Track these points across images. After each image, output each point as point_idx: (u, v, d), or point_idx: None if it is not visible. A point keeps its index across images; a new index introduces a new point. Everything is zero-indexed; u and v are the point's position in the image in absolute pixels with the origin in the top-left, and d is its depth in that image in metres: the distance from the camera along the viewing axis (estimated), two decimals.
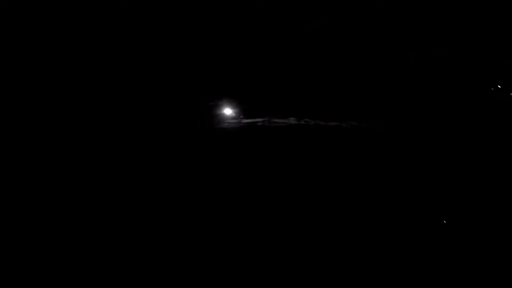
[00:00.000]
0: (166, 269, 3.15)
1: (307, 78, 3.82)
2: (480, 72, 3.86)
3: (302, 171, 3.48)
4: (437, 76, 3.85)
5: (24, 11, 3.66)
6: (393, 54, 3.86)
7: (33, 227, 3.25)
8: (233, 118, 3.61)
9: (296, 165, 3.51)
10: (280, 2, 3.87)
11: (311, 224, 3.31)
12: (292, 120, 3.58)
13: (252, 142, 3.55)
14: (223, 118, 3.62)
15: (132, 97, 3.66)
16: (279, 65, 3.83)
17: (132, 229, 3.28)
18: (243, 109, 3.62)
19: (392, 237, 3.27)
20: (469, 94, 3.81)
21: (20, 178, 3.37)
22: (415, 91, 3.76)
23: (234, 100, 3.64)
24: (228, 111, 3.63)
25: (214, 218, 3.30)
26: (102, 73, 3.68)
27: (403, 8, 3.95)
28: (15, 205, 3.28)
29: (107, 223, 3.31)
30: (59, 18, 3.72)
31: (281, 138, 3.54)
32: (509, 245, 3.23)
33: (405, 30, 3.93)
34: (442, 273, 3.19)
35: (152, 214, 3.34)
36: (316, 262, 3.18)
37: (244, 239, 3.25)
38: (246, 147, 3.53)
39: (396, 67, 3.84)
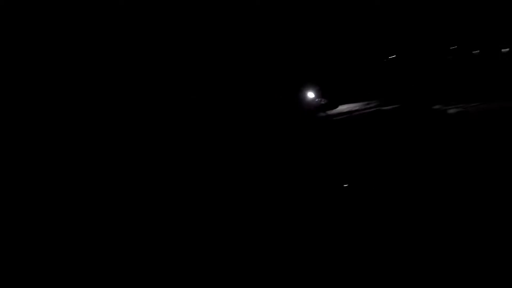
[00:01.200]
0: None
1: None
2: (479, 71, 3.87)
3: None
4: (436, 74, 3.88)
5: (24, 11, 3.67)
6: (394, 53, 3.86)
7: (34, 225, 3.23)
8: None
9: None
10: (280, 2, 3.88)
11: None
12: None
13: None
14: None
15: (132, 97, 3.66)
16: (277, 64, 3.83)
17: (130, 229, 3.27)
18: None
19: None
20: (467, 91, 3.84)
21: (21, 177, 3.37)
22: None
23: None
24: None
25: None
26: (102, 73, 3.68)
27: (403, 8, 3.96)
28: (15, 203, 3.27)
29: (106, 222, 3.30)
30: (59, 18, 3.72)
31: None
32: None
33: (406, 30, 3.94)
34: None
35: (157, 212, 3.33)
36: None
37: None
38: None
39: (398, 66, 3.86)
